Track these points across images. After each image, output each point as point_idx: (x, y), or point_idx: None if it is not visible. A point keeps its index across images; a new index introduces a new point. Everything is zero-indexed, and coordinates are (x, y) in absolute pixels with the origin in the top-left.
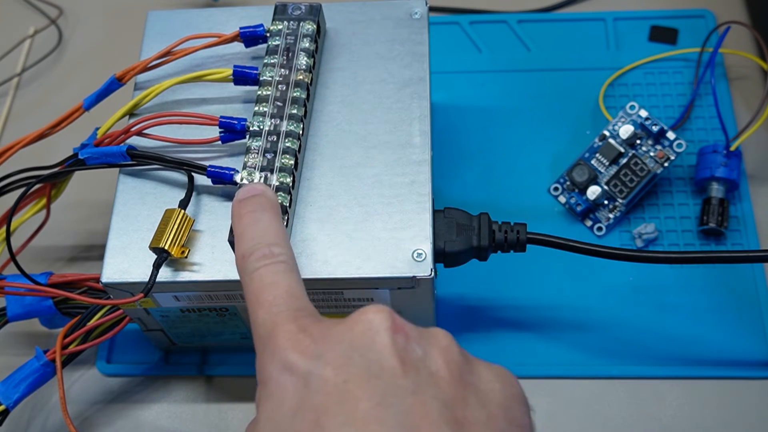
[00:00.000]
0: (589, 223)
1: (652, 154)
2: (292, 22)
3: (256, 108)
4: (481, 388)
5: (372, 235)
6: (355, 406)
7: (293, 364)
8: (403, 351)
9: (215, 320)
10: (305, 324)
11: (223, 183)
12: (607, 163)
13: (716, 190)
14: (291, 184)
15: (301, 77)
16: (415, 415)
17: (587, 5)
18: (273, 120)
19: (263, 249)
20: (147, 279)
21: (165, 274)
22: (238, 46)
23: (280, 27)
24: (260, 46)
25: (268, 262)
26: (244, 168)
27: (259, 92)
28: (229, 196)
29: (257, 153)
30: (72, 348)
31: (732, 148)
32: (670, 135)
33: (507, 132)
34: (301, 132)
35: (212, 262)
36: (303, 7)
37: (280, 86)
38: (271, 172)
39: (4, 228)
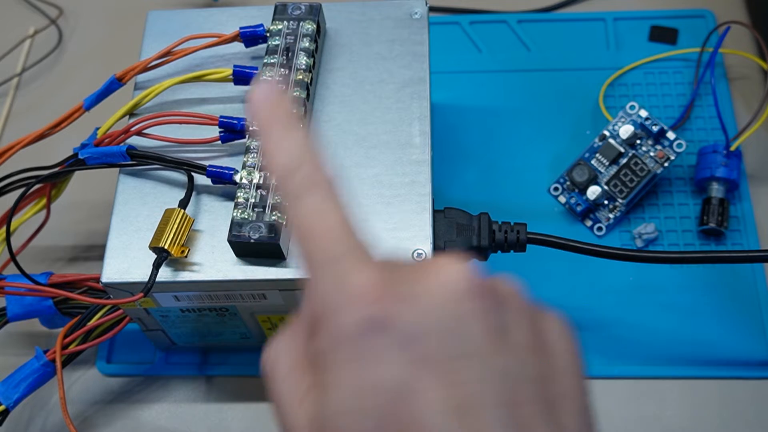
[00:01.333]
0: (589, 223)
1: (652, 154)
2: (292, 22)
3: None
4: (551, 347)
5: (372, 235)
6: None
7: (378, 323)
8: (492, 323)
9: (215, 320)
10: (379, 272)
11: (223, 183)
12: (607, 163)
13: (716, 190)
14: None
15: (300, 77)
16: (515, 407)
17: (587, 5)
18: None
19: (308, 166)
20: (147, 279)
21: (165, 274)
22: (238, 46)
23: (280, 27)
24: (260, 46)
25: (318, 184)
26: (243, 168)
27: None
28: (229, 196)
29: (257, 152)
30: (72, 348)
31: (732, 148)
32: (670, 135)
33: (507, 132)
34: None
35: (212, 262)
36: (303, 7)
37: (279, 86)
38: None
39: (4, 228)
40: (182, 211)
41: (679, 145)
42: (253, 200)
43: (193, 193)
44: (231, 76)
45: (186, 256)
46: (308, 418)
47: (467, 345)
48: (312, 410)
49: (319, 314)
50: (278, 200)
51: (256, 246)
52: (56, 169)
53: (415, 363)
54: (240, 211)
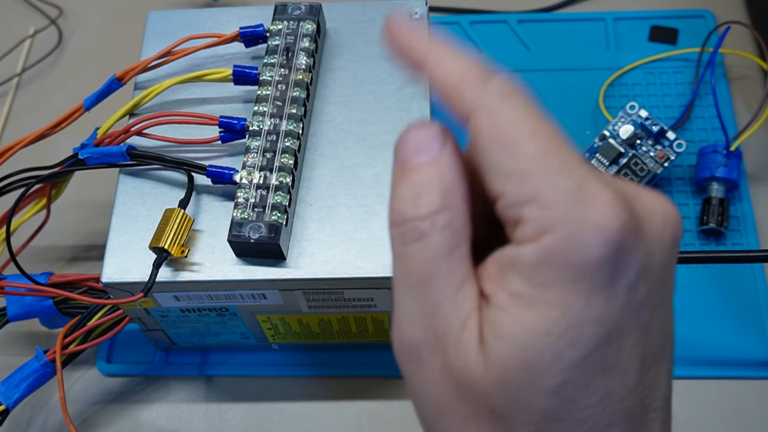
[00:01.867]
0: None
1: (652, 154)
2: (292, 21)
3: (256, 108)
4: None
5: (372, 235)
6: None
7: (622, 255)
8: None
9: (215, 320)
10: (615, 192)
11: (223, 183)
12: (607, 163)
13: (716, 190)
14: (291, 184)
15: (300, 77)
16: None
17: (587, 5)
18: (272, 119)
19: (501, 76)
20: (147, 279)
21: (165, 274)
22: (238, 46)
23: (280, 27)
24: (260, 46)
25: (518, 90)
26: (243, 167)
27: (259, 92)
28: (229, 196)
29: (257, 152)
30: (72, 348)
31: (732, 148)
32: (670, 135)
33: None
34: (300, 131)
35: (212, 262)
36: (303, 7)
37: (279, 86)
38: (271, 171)
39: (4, 228)
40: (182, 211)
41: (679, 145)
42: (253, 200)
43: (193, 193)
44: (231, 76)
45: (186, 256)
46: (491, 322)
47: (664, 295)
48: (503, 319)
49: (546, 221)
50: (278, 200)
51: (256, 246)
52: (56, 169)
53: (635, 306)
54: (240, 211)
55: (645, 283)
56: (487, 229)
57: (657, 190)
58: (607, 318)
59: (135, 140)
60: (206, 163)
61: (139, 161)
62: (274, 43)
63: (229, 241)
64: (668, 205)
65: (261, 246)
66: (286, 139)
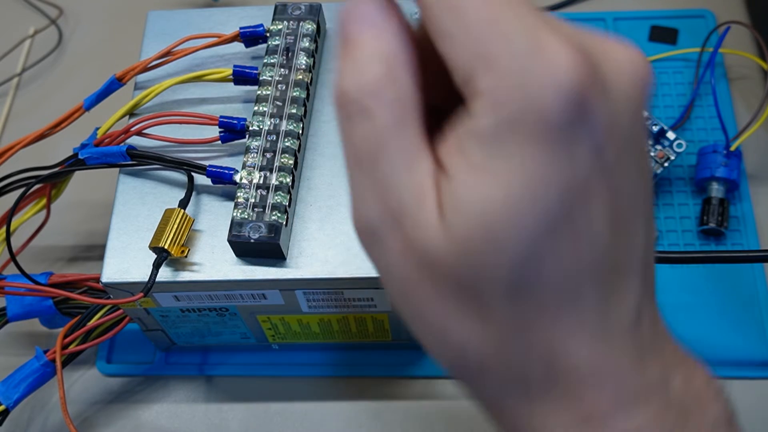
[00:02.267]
0: None
1: (652, 154)
2: (292, 21)
3: (256, 108)
4: None
5: None
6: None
7: (583, 113)
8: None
9: (215, 320)
10: (575, 46)
11: (223, 183)
12: None
13: (716, 190)
14: (291, 184)
15: (300, 77)
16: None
17: (587, 5)
18: (272, 119)
19: None
20: (147, 279)
21: (165, 274)
22: (238, 46)
23: (280, 27)
24: (260, 46)
25: None
26: (243, 167)
27: (259, 92)
28: (229, 196)
29: (257, 152)
30: (72, 348)
31: (732, 148)
32: (670, 135)
33: None
34: (300, 131)
35: (212, 262)
36: (303, 7)
37: (279, 86)
38: (271, 171)
39: (4, 228)
40: (182, 211)
41: (679, 145)
42: (253, 200)
43: (193, 193)
44: (231, 76)
45: (186, 256)
46: (450, 195)
47: (636, 157)
48: (462, 191)
49: (499, 84)
50: (278, 200)
51: (256, 246)
52: (56, 169)
53: (602, 168)
54: (240, 211)
55: (613, 144)
56: (451, 99)
57: (626, 43)
58: (571, 181)
59: (135, 140)
60: (206, 163)
61: (139, 161)
62: (274, 43)
63: (229, 241)
64: (636, 59)
65: (261, 246)
66: (286, 139)
